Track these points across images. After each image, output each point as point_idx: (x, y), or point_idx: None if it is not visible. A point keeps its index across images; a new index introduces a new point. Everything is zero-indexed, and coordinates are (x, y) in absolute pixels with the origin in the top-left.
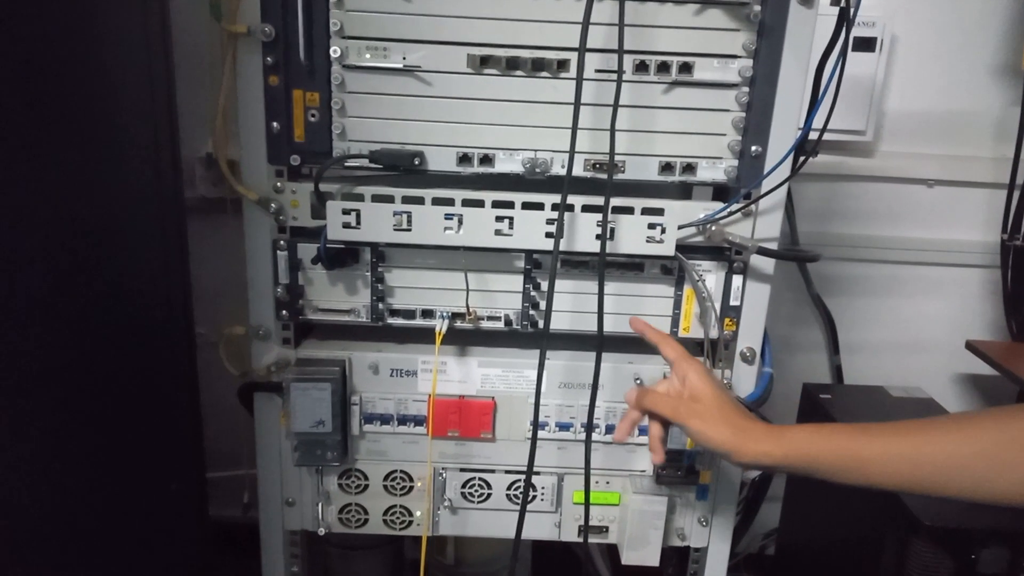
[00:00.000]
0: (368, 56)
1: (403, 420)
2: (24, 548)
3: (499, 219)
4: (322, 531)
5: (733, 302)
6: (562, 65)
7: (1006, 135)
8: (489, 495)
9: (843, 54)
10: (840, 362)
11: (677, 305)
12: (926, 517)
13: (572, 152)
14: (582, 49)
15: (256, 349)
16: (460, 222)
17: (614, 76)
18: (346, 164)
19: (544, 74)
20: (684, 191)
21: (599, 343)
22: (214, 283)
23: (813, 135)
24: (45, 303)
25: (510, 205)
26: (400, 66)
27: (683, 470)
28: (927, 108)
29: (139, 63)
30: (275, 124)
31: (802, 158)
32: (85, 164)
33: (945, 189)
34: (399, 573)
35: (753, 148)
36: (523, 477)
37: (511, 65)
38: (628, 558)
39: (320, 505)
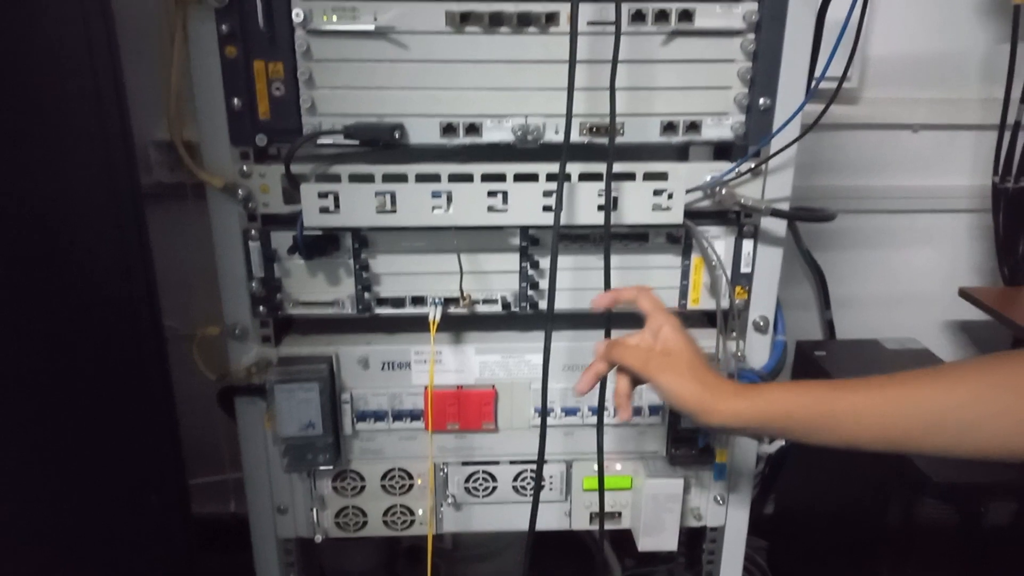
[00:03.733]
0: (335, 18)
1: (398, 415)
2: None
3: (491, 194)
4: (319, 538)
5: (744, 269)
6: (551, 19)
7: (995, 75)
8: (495, 488)
9: None
10: (832, 317)
11: (685, 275)
12: (934, 473)
13: (569, 115)
14: None
15: (233, 349)
16: (449, 199)
17: (609, 28)
18: (319, 142)
19: (532, 30)
20: (680, 153)
21: (607, 321)
22: (178, 276)
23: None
24: None
25: (501, 178)
26: (371, 28)
27: (697, 449)
28: (912, 51)
29: (76, 34)
30: (236, 100)
31: (821, 109)
32: (19, 151)
33: (932, 133)
34: (393, 559)
35: (761, 101)
36: (529, 468)
37: (494, 21)
38: (644, 544)
39: (315, 510)
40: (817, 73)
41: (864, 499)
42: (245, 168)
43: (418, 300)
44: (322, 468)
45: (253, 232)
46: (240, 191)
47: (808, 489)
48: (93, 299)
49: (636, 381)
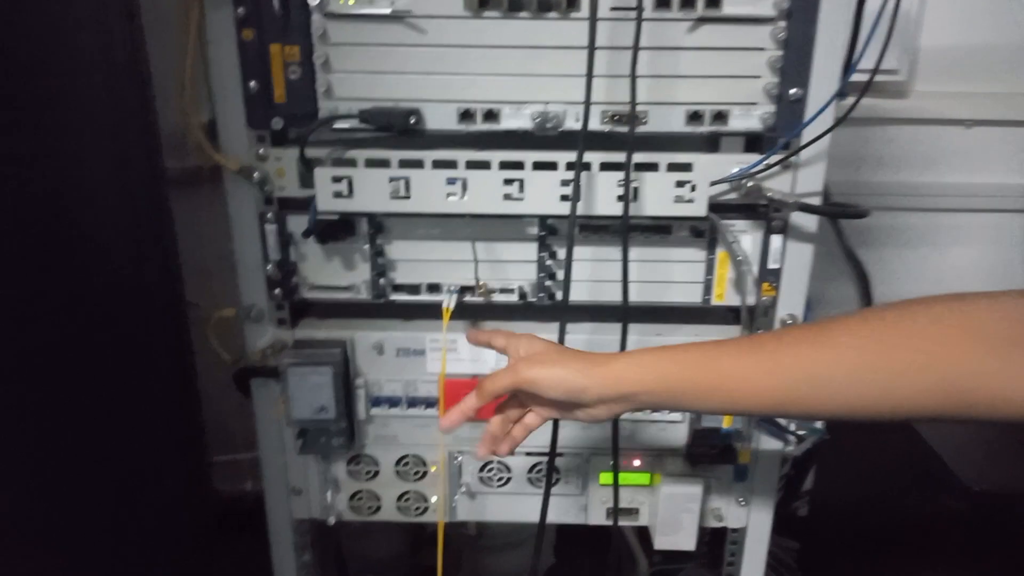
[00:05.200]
0: (351, 2)
1: (413, 402)
2: (19, 535)
3: (508, 182)
4: (332, 520)
5: (772, 265)
6: (572, 3)
7: None
8: (509, 479)
9: None
10: None
11: (709, 270)
12: (970, 478)
13: (588, 103)
14: None
15: (249, 331)
16: (464, 187)
17: (632, 14)
18: (334, 126)
19: (552, 15)
20: (711, 144)
21: (624, 314)
22: (194, 259)
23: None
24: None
25: (519, 166)
26: (388, 11)
27: (718, 449)
28: (966, 43)
29: (97, 18)
30: (252, 84)
31: (850, 101)
32: (41, 135)
33: (984, 129)
34: (419, 546)
35: (792, 91)
36: (544, 460)
37: (514, 6)
38: (660, 542)
39: (329, 493)
40: (852, 67)
41: (898, 502)
42: (262, 151)
43: (434, 287)
44: (335, 452)
45: (269, 215)
46: (256, 174)
47: (841, 491)
48: (116, 279)
49: (522, 406)
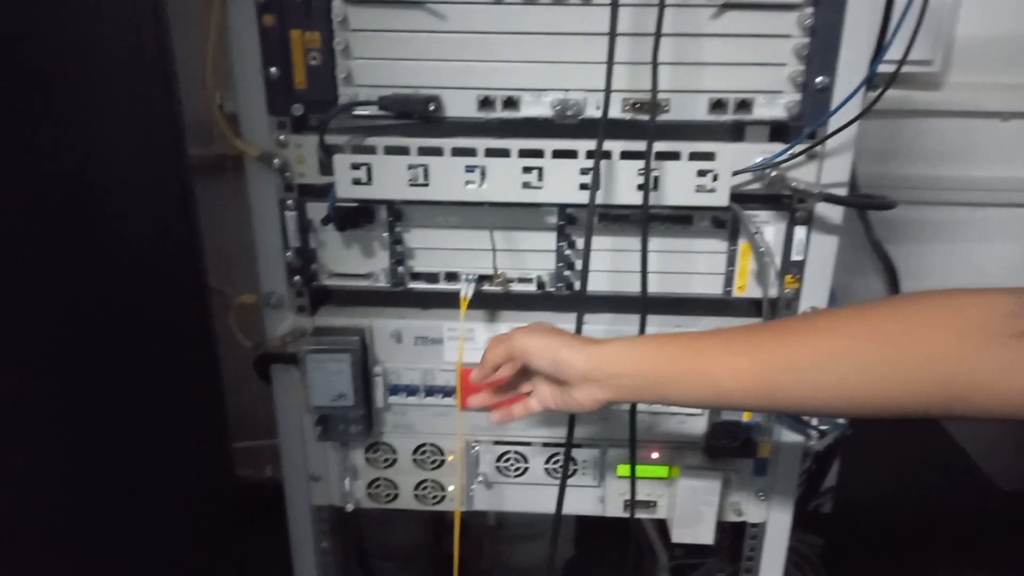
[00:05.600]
0: None
1: (430, 391)
2: (42, 518)
3: (527, 170)
4: (350, 507)
5: (795, 256)
6: None
7: None
8: (526, 469)
9: None
10: None
11: (731, 261)
12: (1002, 480)
13: (608, 90)
14: None
15: (269, 318)
16: (483, 175)
17: (655, 0)
18: (354, 113)
19: (574, 1)
20: (736, 133)
21: (643, 305)
22: (219, 247)
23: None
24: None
25: (539, 154)
26: None
27: (739, 442)
28: (1003, 32)
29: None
30: (273, 70)
31: (874, 87)
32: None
33: (1022, 122)
34: (439, 535)
35: (818, 80)
36: (562, 450)
37: None
38: (678, 535)
39: (347, 480)
40: (880, 55)
41: (924, 499)
42: (282, 138)
43: (452, 276)
44: (354, 439)
45: (289, 202)
46: (276, 161)
47: (866, 488)
48: (141, 267)
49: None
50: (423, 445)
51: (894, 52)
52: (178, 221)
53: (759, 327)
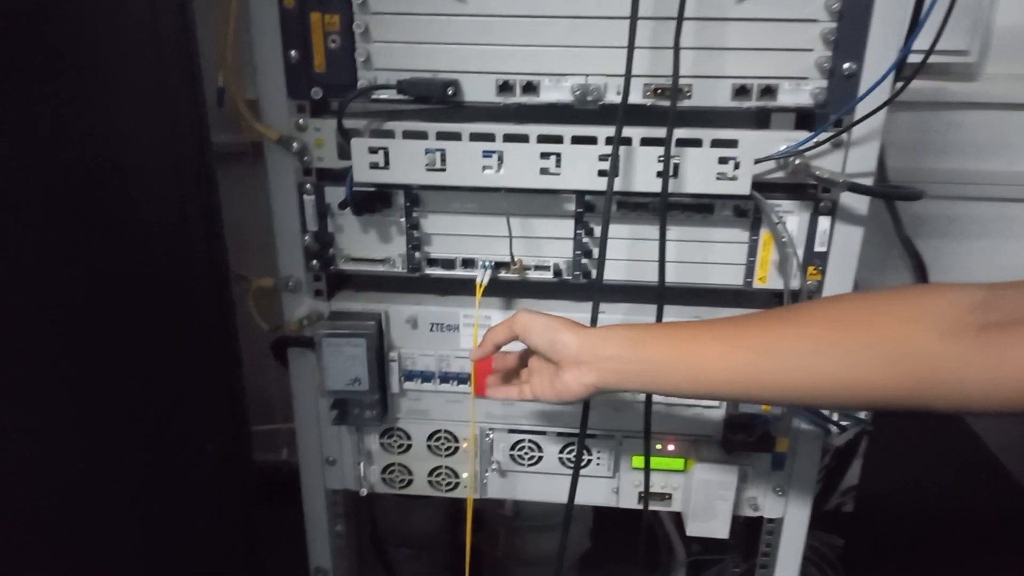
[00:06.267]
0: None
1: (445, 378)
2: (64, 500)
3: (544, 156)
4: (364, 492)
5: (819, 248)
6: None
7: None
8: (540, 458)
9: None
10: None
11: (752, 252)
12: None
13: (628, 75)
14: None
15: (287, 301)
16: (500, 160)
17: None
18: (373, 97)
19: None
20: (761, 121)
21: (660, 294)
22: (240, 232)
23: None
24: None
25: (558, 140)
26: None
27: (756, 436)
28: None
29: None
30: (293, 53)
31: (905, 79)
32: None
33: None
34: (455, 523)
35: (846, 66)
36: (576, 440)
37: None
38: (693, 529)
39: (361, 465)
40: (909, 41)
41: (947, 499)
42: (301, 121)
43: (468, 263)
44: (368, 424)
45: (308, 186)
46: (295, 144)
47: (887, 487)
48: (164, 251)
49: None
50: (437, 431)
51: (925, 39)
52: (201, 206)
53: (746, 317)
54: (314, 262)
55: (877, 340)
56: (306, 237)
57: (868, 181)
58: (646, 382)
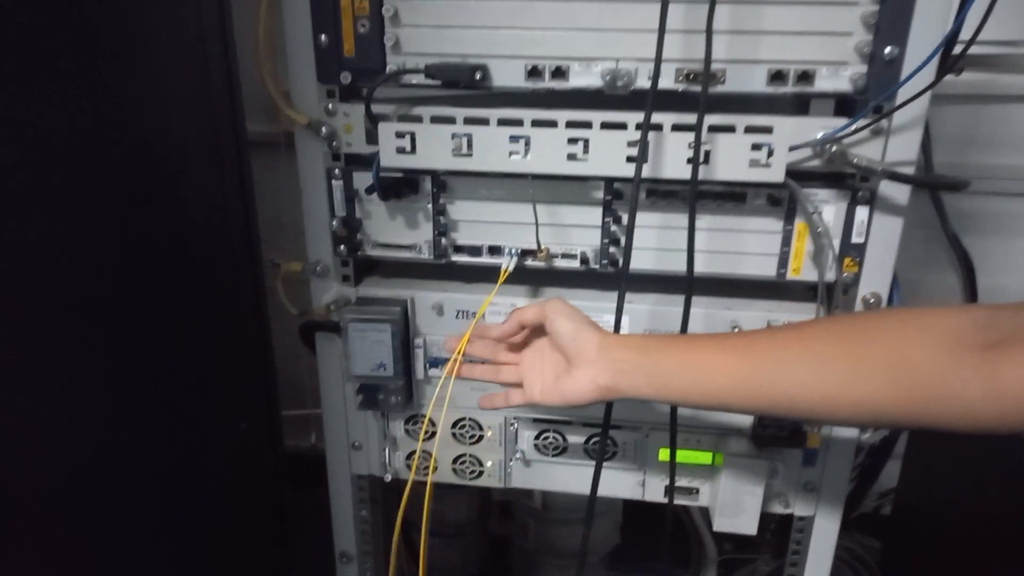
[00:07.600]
0: None
1: None
2: (97, 480)
3: (572, 141)
4: (388, 477)
5: (856, 239)
6: None
7: None
8: (565, 448)
9: None
10: None
11: (786, 242)
12: None
13: (659, 59)
14: None
15: (315, 286)
16: (527, 145)
17: None
18: (401, 82)
19: None
20: (799, 107)
21: (688, 285)
22: (272, 218)
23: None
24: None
25: (587, 125)
26: None
27: (787, 431)
28: None
29: None
30: (323, 37)
31: (950, 65)
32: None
33: None
34: (485, 514)
35: (887, 50)
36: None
37: None
38: (720, 524)
39: (387, 450)
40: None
41: (989, 501)
42: (330, 106)
43: (495, 250)
44: (393, 410)
45: (336, 171)
46: (324, 129)
47: (927, 489)
48: (195, 231)
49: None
50: (462, 419)
51: (975, 25)
52: (236, 194)
53: (756, 331)
54: (341, 247)
55: (880, 355)
56: (334, 222)
57: (909, 171)
58: (657, 386)
